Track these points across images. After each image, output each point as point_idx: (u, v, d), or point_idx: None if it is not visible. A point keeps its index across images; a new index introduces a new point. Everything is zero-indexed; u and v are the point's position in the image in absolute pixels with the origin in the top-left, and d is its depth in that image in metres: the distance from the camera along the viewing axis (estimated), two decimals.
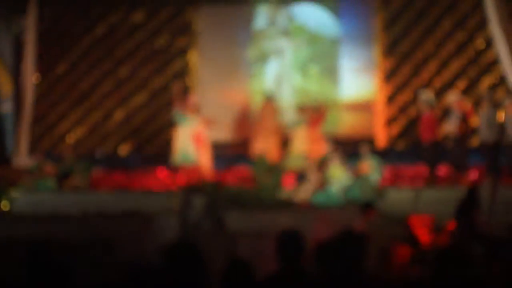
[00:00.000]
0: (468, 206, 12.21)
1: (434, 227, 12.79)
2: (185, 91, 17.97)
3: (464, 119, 15.35)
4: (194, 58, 19.00)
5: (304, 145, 15.98)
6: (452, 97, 15.71)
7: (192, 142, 15.99)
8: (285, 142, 16.64)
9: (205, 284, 4.84)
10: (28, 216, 13.56)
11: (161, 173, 16.67)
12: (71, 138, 19.05)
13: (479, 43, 17.84)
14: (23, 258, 5.30)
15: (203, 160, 15.99)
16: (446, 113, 15.95)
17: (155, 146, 18.89)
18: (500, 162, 14.84)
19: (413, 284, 3.79)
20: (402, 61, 18.35)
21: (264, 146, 16.28)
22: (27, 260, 5.24)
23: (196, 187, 13.81)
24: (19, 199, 14.62)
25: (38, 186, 15.53)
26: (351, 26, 18.68)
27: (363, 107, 18.41)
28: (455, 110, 15.35)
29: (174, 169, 16.22)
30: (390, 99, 18.35)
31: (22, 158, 16.77)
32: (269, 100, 17.05)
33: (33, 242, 5.56)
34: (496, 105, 15.38)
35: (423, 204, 13.52)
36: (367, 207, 12.17)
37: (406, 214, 12.52)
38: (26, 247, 5.47)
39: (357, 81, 18.49)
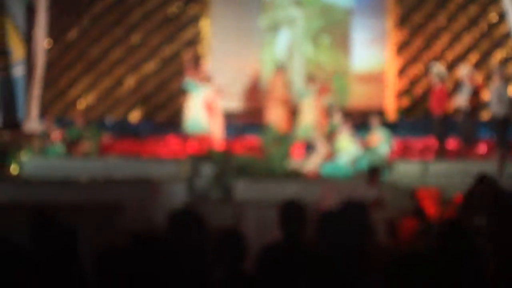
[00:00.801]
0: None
1: (442, 199, 12.79)
2: (197, 59, 17.95)
3: (475, 93, 15.28)
4: (206, 26, 18.93)
5: (313, 115, 15.96)
6: (463, 71, 15.63)
7: (203, 110, 16.00)
8: (294, 113, 16.60)
9: (207, 252, 4.85)
10: (37, 180, 13.60)
11: (171, 141, 16.69)
12: (81, 104, 19.06)
13: (492, 16, 17.71)
14: (28, 222, 5.31)
15: (215, 128, 16.01)
16: (457, 86, 15.88)
17: (165, 114, 18.88)
18: (509, 136, 14.78)
19: (418, 256, 3.78)
20: (414, 33, 18.26)
21: (274, 116, 16.27)
22: (31, 223, 5.25)
23: (205, 155, 13.81)
24: (28, 163, 14.65)
25: (47, 151, 15.55)
26: None
27: (374, 79, 18.35)
28: (466, 84, 15.27)
29: (184, 137, 16.25)
30: (402, 71, 18.27)
31: (33, 123, 16.79)
32: (279, 70, 17.01)
33: (38, 206, 5.58)
34: (507, 80, 15.30)
35: (432, 177, 13.52)
36: (373, 171, 12.13)
37: (415, 186, 12.53)
38: (31, 211, 5.48)
39: (369, 52, 18.40)
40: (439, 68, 15.84)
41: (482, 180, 12.17)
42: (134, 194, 12.34)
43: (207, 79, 16.30)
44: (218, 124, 16.12)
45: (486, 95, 15.86)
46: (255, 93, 18.30)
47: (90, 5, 19.08)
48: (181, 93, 17.24)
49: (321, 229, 4.76)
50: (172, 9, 19.05)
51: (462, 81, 15.45)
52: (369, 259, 4.70)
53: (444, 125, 15.32)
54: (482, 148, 15.35)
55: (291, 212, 5.20)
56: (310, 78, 16.83)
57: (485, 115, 16.24)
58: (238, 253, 4.74)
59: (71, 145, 15.89)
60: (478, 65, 17.43)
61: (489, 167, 13.15)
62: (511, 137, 14.83)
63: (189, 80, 16.36)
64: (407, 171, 13.72)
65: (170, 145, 16.60)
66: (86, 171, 13.97)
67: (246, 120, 17.68)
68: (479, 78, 16.67)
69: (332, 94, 16.71)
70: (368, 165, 12.75)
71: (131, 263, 4.59)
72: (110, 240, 5.90)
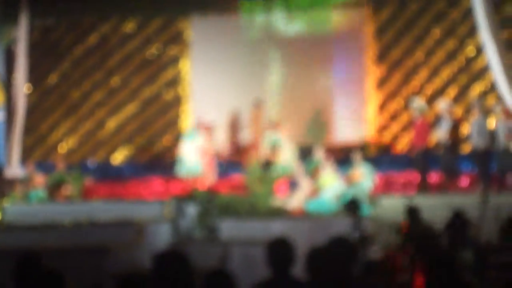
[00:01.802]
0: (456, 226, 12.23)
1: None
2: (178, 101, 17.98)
3: (455, 126, 15.38)
4: (186, 67, 19.00)
5: (291, 154, 15.89)
6: (443, 105, 15.74)
7: (197, 156, 15.97)
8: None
9: None
10: (20, 226, 13.49)
11: (154, 182, 16.66)
12: (63, 148, 19.01)
13: (470, 50, 17.87)
14: (14, 267, 5.27)
15: (207, 169, 16.03)
16: (437, 120, 15.97)
17: (147, 155, 18.86)
18: (491, 169, 14.86)
19: None
20: (393, 69, 18.38)
21: (257, 154, 16.26)
22: (17, 269, 5.21)
23: (188, 196, 13.77)
24: (10, 209, 14.55)
25: (29, 197, 15.48)
26: (342, 35, 18.71)
27: (355, 115, 18.42)
28: (446, 118, 15.38)
29: (167, 178, 16.22)
30: (382, 106, 18.37)
31: (14, 168, 16.70)
32: (258, 107, 17.01)
33: (23, 251, 5.53)
34: (487, 112, 15.42)
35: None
36: (352, 205, 12.07)
37: (399, 221, 12.51)
38: (16, 257, 5.44)
39: (349, 88, 18.50)
40: (418, 102, 15.94)
41: (458, 216, 12.23)
42: (119, 237, 12.26)
43: (201, 126, 16.31)
44: (210, 164, 16.15)
45: (466, 128, 15.95)
46: (235, 132, 18.32)
47: (70, 49, 19.15)
48: (163, 133, 17.25)
49: (310, 266, 4.76)
50: (152, 51, 19.13)
51: (442, 115, 15.55)
52: None
53: (426, 159, 15.38)
54: (464, 181, 15.41)
55: (279, 250, 5.19)
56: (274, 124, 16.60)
57: (466, 148, 16.32)
58: None
59: (53, 189, 15.81)
60: (457, 99, 17.56)
61: (472, 200, 13.19)
62: (493, 169, 14.90)
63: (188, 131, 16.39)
64: (390, 205, 13.72)
65: (153, 186, 16.57)
66: (70, 215, 13.86)
67: (229, 159, 17.69)
68: (458, 111, 16.80)
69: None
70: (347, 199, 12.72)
71: None
72: (96, 283, 5.85)
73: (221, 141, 18.14)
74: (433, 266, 5.00)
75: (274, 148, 15.10)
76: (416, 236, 10.82)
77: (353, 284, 4.77)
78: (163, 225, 12.85)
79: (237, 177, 16.19)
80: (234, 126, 18.47)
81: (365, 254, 10.85)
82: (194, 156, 16.01)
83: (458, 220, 12.11)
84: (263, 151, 15.99)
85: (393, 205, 13.63)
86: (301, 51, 18.71)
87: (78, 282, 5.96)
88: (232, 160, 17.44)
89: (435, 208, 13.19)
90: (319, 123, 18.05)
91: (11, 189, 15.52)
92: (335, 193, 14.41)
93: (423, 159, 15.38)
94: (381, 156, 17.76)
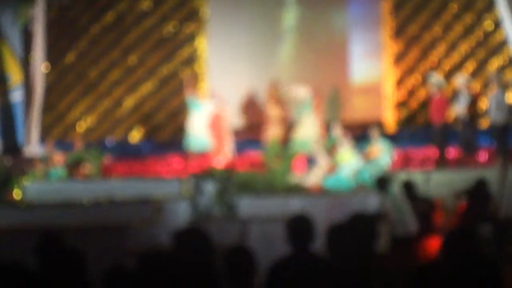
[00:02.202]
0: (477, 195, 12.23)
1: (445, 209, 12.80)
2: (195, 77, 18.01)
3: (473, 101, 15.31)
4: (202, 44, 18.98)
5: (312, 129, 15.89)
6: (461, 80, 15.66)
7: (205, 128, 16.05)
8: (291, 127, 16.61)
9: (214, 270, 4.85)
10: (40, 204, 13.58)
11: (172, 160, 16.70)
12: (81, 127, 19.08)
13: (487, 24, 17.75)
14: (36, 246, 5.31)
15: (221, 145, 16.05)
16: (455, 95, 15.90)
17: (165, 133, 18.91)
18: (509, 143, 14.79)
19: (424, 265, 3.79)
20: (410, 44, 18.30)
21: (271, 136, 16.26)
22: (39, 247, 5.25)
23: (206, 173, 13.80)
24: (30, 187, 14.64)
25: (49, 175, 15.56)
26: (359, 10, 18.64)
27: (372, 91, 18.37)
28: (464, 93, 15.30)
29: (185, 156, 16.28)
30: (399, 82, 18.30)
31: (33, 147, 16.80)
32: (272, 87, 16.95)
33: (44, 230, 5.58)
34: (505, 87, 15.33)
35: (434, 186, 13.51)
36: (382, 180, 12.09)
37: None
38: (38, 235, 5.48)
39: (366, 64, 18.44)
40: (436, 77, 15.87)
41: (481, 184, 12.23)
42: (138, 214, 12.32)
43: (210, 96, 16.41)
44: (225, 140, 16.18)
45: (485, 103, 15.88)
46: (253, 109, 18.31)
47: (87, 27, 19.15)
48: (180, 111, 17.29)
49: (331, 242, 4.76)
50: (168, 28, 19.11)
51: (460, 90, 15.47)
52: (378, 271, 4.70)
53: (444, 135, 15.33)
54: (482, 156, 15.35)
55: (299, 227, 5.20)
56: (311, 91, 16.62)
57: (484, 123, 16.26)
58: (248, 269, 4.74)
59: (72, 168, 15.89)
60: (475, 74, 17.46)
61: (490, 175, 13.16)
62: (511, 144, 14.84)
63: (190, 98, 16.43)
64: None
65: (171, 164, 16.61)
66: (89, 193, 13.94)
67: (246, 136, 17.68)
68: (476, 86, 16.70)
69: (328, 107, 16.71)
70: (375, 175, 12.74)
71: (139, 284, 4.59)
72: (117, 261, 5.89)
73: (237, 117, 18.16)
74: (452, 239, 5.00)
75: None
76: None
77: (374, 260, 4.78)
78: (181, 202, 12.90)
79: (254, 154, 16.20)
80: (251, 103, 18.46)
81: (387, 230, 10.88)
82: (203, 129, 16.04)
83: (481, 190, 12.13)
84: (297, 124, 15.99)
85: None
86: (317, 25, 18.65)
87: (98, 260, 6.01)
88: (249, 137, 17.43)
89: (454, 183, 13.19)
90: (336, 101, 18.00)
91: (31, 168, 15.61)
92: (352, 170, 14.41)
93: (441, 134, 15.33)
94: (399, 132, 17.72)
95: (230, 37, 18.58)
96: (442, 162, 15.17)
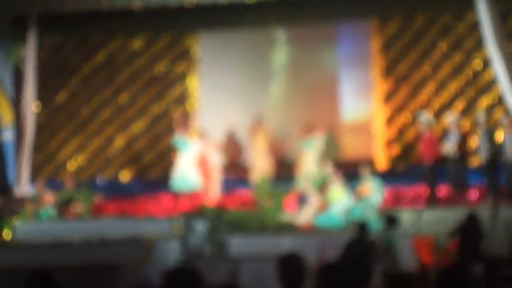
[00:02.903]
0: (468, 231, 12.22)
1: (436, 247, 12.79)
2: (186, 117, 18.04)
3: (463, 139, 15.37)
4: (193, 83, 19.05)
5: (314, 167, 15.95)
6: (451, 118, 15.74)
7: (193, 167, 16.06)
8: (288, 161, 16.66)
9: None
10: (30, 244, 13.53)
11: (163, 199, 16.66)
12: (71, 166, 19.04)
13: (477, 63, 17.86)
14: (26, 285, 5.28)
15: (210, 185, 16.05)
16: (445, 134, 15.96)
17: (156, 172, 18.88)
18: (499, 181, 14.83)
19: None
20: (400, 83, 18.37)
21: (259, 167, 16.28)
22: (29, 285, 5.22)
23: (197, 212, 13.79)
24: (20, 227, 14.59)
25: (39, 215, 15.51)
26: (349, 48, 18.75)
27: (363, 129, 18.41)
28: (453, 131, 15.37)
29: (176, 194, 16.24)
30: (389, 120, 18.36)
31: (23, 187, 16.75)
32: (257, 123, 16.99)
33: (34, 269, 5.54)
34: (493, 125, 15.41)
35: (425, 224, 13.51)
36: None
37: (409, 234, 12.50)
38: (28, 274, 5.45)
39: (356, 103, 18.50)
40: (426, 116, 15.95)
41: (473, 220, 12.23)
42: (128, 254, 12.29)
43: (200, 136, 16.43)
44: (214, 179, 16.18)
45: (474, 141, 15.94)
46: (242, 148, 18.32)
47: (79, 66, 19.21)
48: (171, 150, 17.28)
49: (323, 282, 4.75)
50: (160, 68, 19.17)
51: (450, 129, 15.54)
52: None
53: (434, 172, 15.38)
54: (473, 194, 15.38)
55: (291, 265, 5.18)
56: (309, 127, 16.61)
57: (474, 161, 16.30)
58: None
59: (62, 207, 15.85)
60: (464, 112, 17.53)
61: (482, 213, 13.16)
62: (501, 181, 14.88)
63: (178, 137, 16.45)
64: (399, 219, 13.70)
65: (162, 203, 16.57)
66: (79, 232, 13.91)
67: (236, 175, 17.67)
68: (466, 124, 16.78)
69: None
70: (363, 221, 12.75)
71: None
72: None
73: (227, 156, 18.16)
74: (444, 278, 4.99)
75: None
76: None
77: None
78: (172, 242, 12.88)
79: (244, 192, 16.20)
80: (241, 142, 18.47)
81: (380, 268, 10.86)
82: (189, 168, 16.06)
83: (472, 226, 12.13)
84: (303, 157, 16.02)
85: (402, 219, 13.61)
86: (308, 64, 18.74)
87: None
88: (239, 176, 17.42)
89: (445, 221, 13.19)
90: (330, 140, 18.03)
91: (21, 208, 15.56)
92: (343, 208, 14.41)
93: (431, 172, 15.38)
94: (389, 170, 17.74)
95: (221, 76, 18.65)
96: (433, 200, 15.19)
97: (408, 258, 11.52)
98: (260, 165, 16.36)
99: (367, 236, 11.57)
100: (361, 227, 11.72)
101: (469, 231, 12.29)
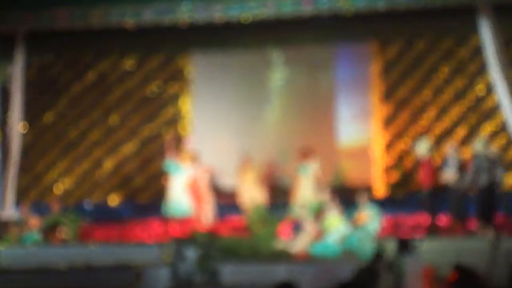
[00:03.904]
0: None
1: (436, 278, 12.78)
2: (178, 139, 18.08)
3: (461, 167, 15.40)
4: (186, 105, 19.09)
5: (310, 193, 15.99)
6: (449, 146, 15.78)
7: (185, 192, 16.08)
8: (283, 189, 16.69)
9: None
10: (14, 270, 13.49)
11: (153, 224, 16.65)
12: (58, 189, 19.03)
13: (479, 89, 17.95)
14: None
15: (202, 210, 16.06)
16: (444, 161, 15.99)
17: (146, 196, 18.87)
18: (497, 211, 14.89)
19: None
20: (399, 107, 18.45)
21: (250, 198, 16.30)
22: None
23: (188, 238, 13.78)
24: (4, 252, 14.55)
25: (23, 239, 15.49)
26: (347, 72, 18.83)
27: (361, 155, 18.46)
28: (454, 158, 15.41)
29: (166, 220, 16.24)
30: (389, 146, 18.41)
31: (8, 210, 16.71)
32: (246, 162, 16.98)
33: None
34: (493, 153, 15.45)
35: (425, 254, 13.51)
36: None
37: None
38: None
39: (354, 128, 18.56)
40: (426, 142, 15.99)
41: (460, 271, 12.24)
42: (116, 281, 12.28)
43: (192, 159, 16.44)
44: (207, 205, 16.19)
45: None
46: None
47: (67, 86, 19.25)
48: (162, 173, 17.28)
49: None
50: (152, 88, 19.23)
51: (450, 156, 15.57)
52: None
53: (434, 201, 15.40)
54: (473, 223, 15.39)
55: None
56: (305, 152, 16.64)
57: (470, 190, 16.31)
58: None
59: (48, 232, 15.82)
60: (467, 139, 17.58)
61: (482, 244, 13.18)
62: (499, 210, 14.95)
63: (169, 161, 16.47)
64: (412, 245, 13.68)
65: (152, 228, 16.55)
66: (65, 258, 13.88)
67: (229, 200, 17.67)
68: (467, 152, 16.82)
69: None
70: (360, 250, 12.78)
71: None
72: None
73: (220, 180, 18.18)
74: None
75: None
76: None
77: None
78: (162, 269, 12.87)
79: (237, 218, 16.21)
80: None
81: None
82: (182, 193, 16.08)
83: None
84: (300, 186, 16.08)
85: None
86: (304, 87, 18.82)
87: None
88: (232, 201, 17.43)
89: (446, 251, 13.19)
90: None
91: (5, 232, 15.53)
92: (340, 236, 14.41)
93: (431, 200, 15.40)
94: (388, 197, 17.77)
95: (215, 98, 18.71)
96: (433, 230, 15.19)
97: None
98: (251, 196, 16.35)
99: (379, 264, 11.62)
100: (378, 255, 11.79)
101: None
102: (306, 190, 16.12)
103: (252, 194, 16.36)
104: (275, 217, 14.95)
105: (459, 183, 15.05)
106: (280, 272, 12.15)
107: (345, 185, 17.84)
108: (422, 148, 15.76)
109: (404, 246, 12.26)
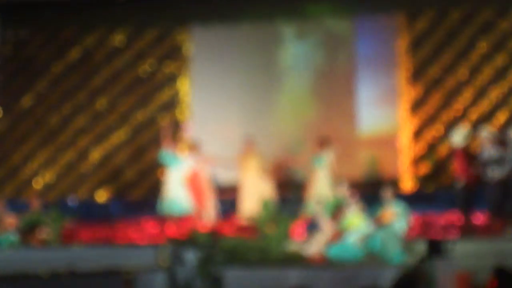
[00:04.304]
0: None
1: (472, 285, 12.79)
2: (175, 126, 18.10)
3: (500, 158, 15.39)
4: (184, 86, 19.11)
5: (327, 187, 16.02)
6: (484, 133, 15.75)
7: (183, 187, 16.10)
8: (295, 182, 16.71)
9: None
10: None
11: (147, 224, 16.70)
12: (38, 183, 19.09)
13: None
14: None
15: (202, 206, 16.09)
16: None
17: (138, 192, 18.93)
18: None
19: None
20: (430, 89, 18.45)
21: (254, 192, 16.33)
22: None
23: (187, 239, 13.82)
24: None
25: None
26: (370, 49, 18.83)
27: (385, 144, 18.47)
28: (488, 147, 15.39)
29: (162, 219, 16.28)
30: (417, 133, 18.41)
31: None
32: (249, 147, 17.00)
33: None
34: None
35: (459, 258, 13.51)
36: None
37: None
38: None
39: (378, 113, 18.56)
40: (461, 129, 15.98)
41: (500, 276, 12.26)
42: None
43: (191, 148, 16.45)
44: (208, 200, 16.22)
45: None
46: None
47: (48, 65, 19.30)
48: (157, 166, 17.33)
49: None
50: (145, 67, 19.26)
51: (484, 145, 15.54)
52: None
53: (469, 197, 15.39)
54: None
55: None
56: (321, 141, 16.67)
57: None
58: None
59: (26, 232, 15.87)
60: (507, 125, 17.56)
61: None
62: None
63: (166, 152, 16.48)
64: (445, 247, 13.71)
65: (145, 228, 16.61)
66: (46, 262, 13.91)
67: (235, 195, 17.70)
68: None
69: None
70: (385, 252, 12.78)
71: None
72: None
73: (224, 174, 18.20)
74: None
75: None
76: None
77: None
78: (157, 274, 12.91)
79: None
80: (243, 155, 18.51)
81: None
82: (181, 188, 16.11)
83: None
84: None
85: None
86: (319, 65, 18.83)
87: None
88: (235, 197, 17.48)
89: (482, 254, 13.18)
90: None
91: None
92: (361, 237, 14.42)
93: (466, 196, 15.38)
94: (417, 192, 17.78)
95: (217, 78, 18.75)
96: (468, 230, 15.19)
97: None
98: (255, 191, 16.36)
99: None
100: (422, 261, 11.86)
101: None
102: (322, 185, 16.15)
103: (256, 185, 16.37)
104: (287, 215, 14.96)
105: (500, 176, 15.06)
106: (293, 278, 12.17)
107: (369, 178, 17.84)
108: (459, 137, 15.74)
109: (435, 248, 12.27)
